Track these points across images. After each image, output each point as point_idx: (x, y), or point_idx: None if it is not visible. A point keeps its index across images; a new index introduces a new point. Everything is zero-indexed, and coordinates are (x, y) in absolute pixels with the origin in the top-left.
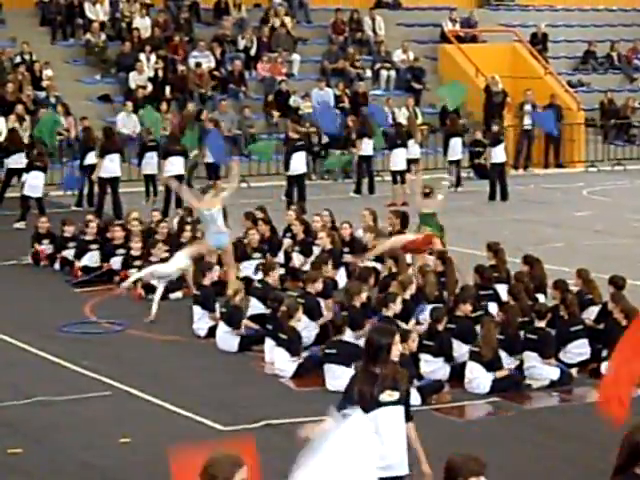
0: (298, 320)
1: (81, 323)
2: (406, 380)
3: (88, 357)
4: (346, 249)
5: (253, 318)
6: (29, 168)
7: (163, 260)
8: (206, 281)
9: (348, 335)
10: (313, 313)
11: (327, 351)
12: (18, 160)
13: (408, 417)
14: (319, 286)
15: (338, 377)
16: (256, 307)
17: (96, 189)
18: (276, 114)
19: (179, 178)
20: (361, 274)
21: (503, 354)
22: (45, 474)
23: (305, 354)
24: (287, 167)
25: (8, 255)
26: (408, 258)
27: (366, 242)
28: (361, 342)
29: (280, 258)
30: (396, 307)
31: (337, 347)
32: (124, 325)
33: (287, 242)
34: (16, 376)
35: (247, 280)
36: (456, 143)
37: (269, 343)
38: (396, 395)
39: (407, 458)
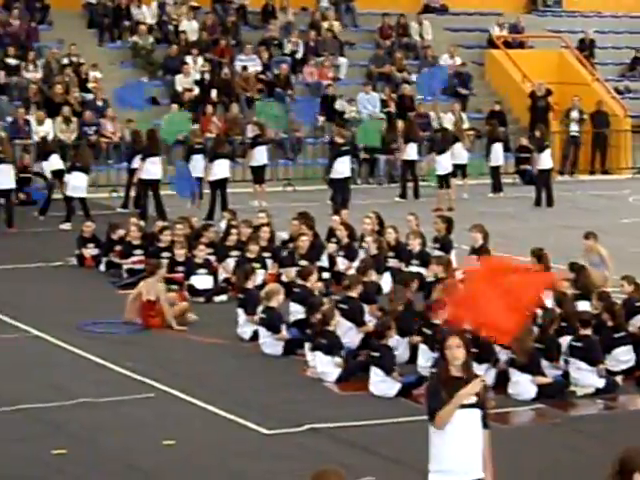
0: (336, 324)
1: (101, 322)
2: (483, 385)
3: (132, 359)
4: (391, 254)
5: (295, 323)
6: (71, 169)
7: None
8: (249, 284)
9: (393, 340)
10: (355, 317)
11: (372, 355)
12: (57, 162)
13: (485, 423)
14: (360, 290)
15: (382, 382)
16: (297, 312)
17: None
18: (321, 118)
19: (225, 181)
20: (404, 279)
21: (545, 362)
22: (89, 475)
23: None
24: (330, 171)
25: (54, 256)
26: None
27: (411, 247)
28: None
29: (324, 262)
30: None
31: (381, 351)
32: (139, 326)
33: (332, 246)
34: (61, 377)
35: (288, 285)
36: (498, 149)
37: (310, 347)
38: (474, 398)
39: (483, 463)
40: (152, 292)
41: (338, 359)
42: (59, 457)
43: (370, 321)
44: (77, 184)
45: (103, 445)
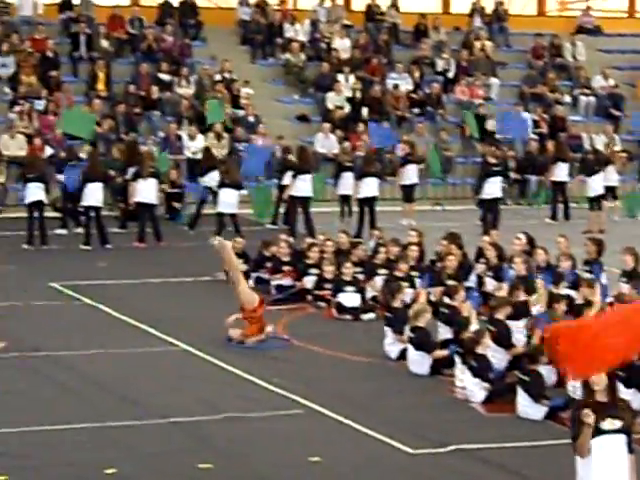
0: (486, 346)
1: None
2: (629, 410)
3: (279, 374)
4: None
5: (443, 343)
6: (221, 185)
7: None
8: (396, 303)
9: (544, 367)
10: (501, 340)
11: (522, 378)
12: (213, 178)
13: (630, 448)
14: (508, 312)
15: (529, 406)
16: (445, 332)
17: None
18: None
19: (373, 199)
20: (552, 300)
21: None
22: None
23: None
24: (479, 191)
25: (203, 271)
26: None
27: (561, 269)
28: None
29: (472, 282)
30: None
31: (531, 377)
32: (288, 342)
33: (480, 267)
34: (209, 391)
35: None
36: None
37: (459, 368)
38: (618, 424)
39: None
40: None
41: (486, 384)
42: (204, 471)
43: (519, 341)
44: (227, 200)
45: (249, 460)
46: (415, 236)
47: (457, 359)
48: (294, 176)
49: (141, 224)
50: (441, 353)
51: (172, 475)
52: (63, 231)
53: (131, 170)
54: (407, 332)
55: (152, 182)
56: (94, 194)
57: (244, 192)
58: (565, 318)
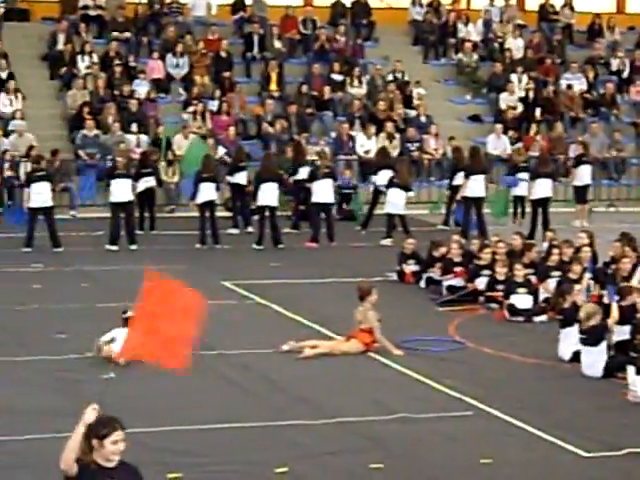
0: None
1: (423, 339)
2: None
3: (451, 376)
4: None
5: (618, 345)
6: (390, 185)
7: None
8: (566, 304)
9: None
10: None
11: None
12: (385, 177)
13: None
14: None
15: None
16: (622, 332)
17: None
18: None
19: (547, 200)
20: None
21: None
22: None
23: None
24: None
25: (375, 271)
26: None
27: None
28: None
29: None
30: None
31: None
32: (463, 345)
33: None
34: (381, 392)
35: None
36: None
37: (631, 370)
38: None
39: None
40: (364, 319)
41: None
42: (376, 471)
43: None
44: (395, 201)
45: (420, 461)
46: (585, 237)
47: (629, 362)
48: (466, 177)
49: (316, 224)
50: None
51: (343, 474)
52: (235, 230)
53: (302, 170)
54: (578, 334)
55: (328, 182)
56: (269, 194)
57: (411, 194)
58: None
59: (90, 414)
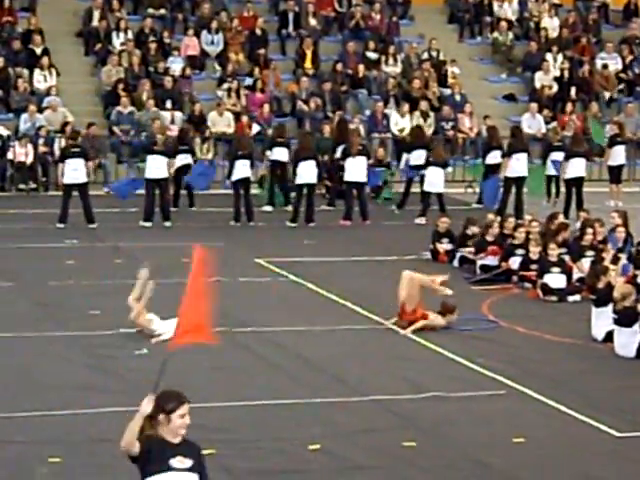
0: None
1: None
2: None
3: (484, 355)
4: None
5: None
6: (427, 164)
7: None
8: (601, 284)
9: None
10: None
11: None
12: (419, 156)
13: None
14: None
15: None
16: None
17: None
18: None
19: (580, 179)
20: None
21: None
22: (438, 469)
23: None
24: None
25: (408, 249)
26: None
27: None
28: None
29: None
30: None
31: None
32: (494, 325)
33: None
34: (413, 370)
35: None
36: None
37: None
38: None
39: None
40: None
41: None
42: (408, 449)
43: None
44: (433, 180)
45: (452, 440)
46: (617, 217)
47: None
48: (508, 155)
49: (349, 202)
50: None
51: (376, 452)
52: (269, 208)
53: (339, 149)
54: (612, 313)
55: (361, 160)
56: (307, 172)
57: (449, 170)
58: None
59: (147, 406)
